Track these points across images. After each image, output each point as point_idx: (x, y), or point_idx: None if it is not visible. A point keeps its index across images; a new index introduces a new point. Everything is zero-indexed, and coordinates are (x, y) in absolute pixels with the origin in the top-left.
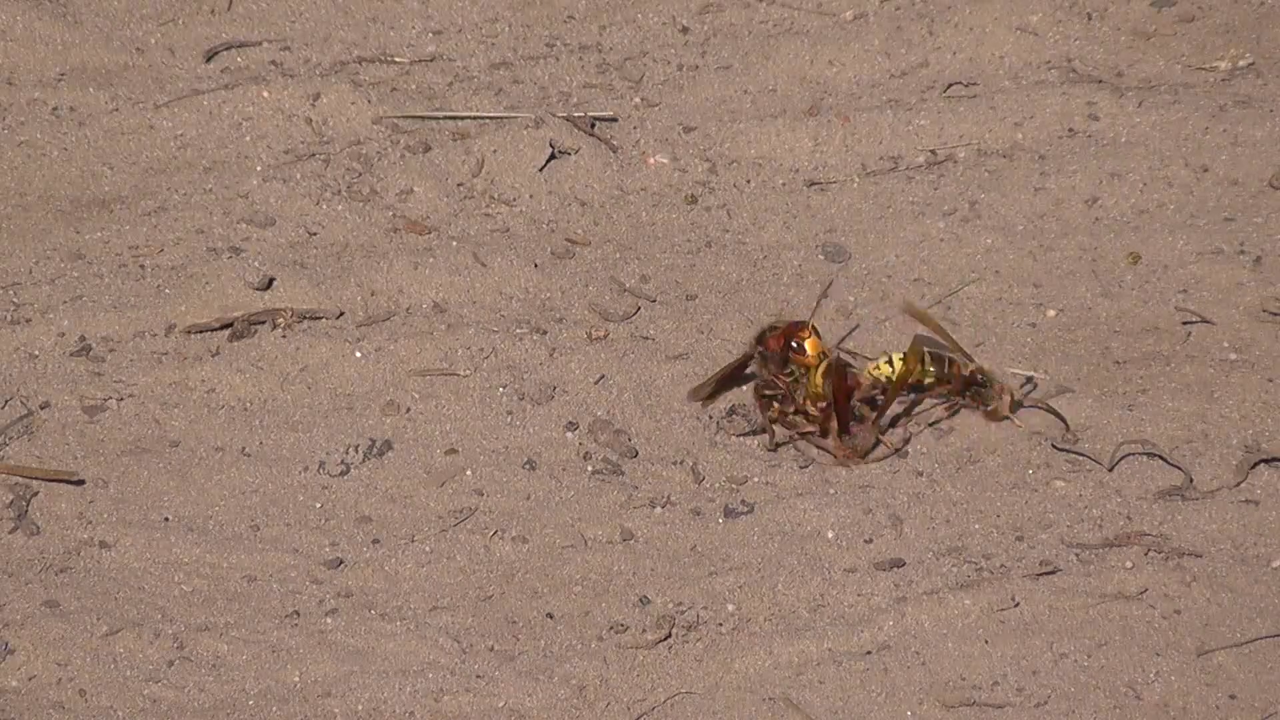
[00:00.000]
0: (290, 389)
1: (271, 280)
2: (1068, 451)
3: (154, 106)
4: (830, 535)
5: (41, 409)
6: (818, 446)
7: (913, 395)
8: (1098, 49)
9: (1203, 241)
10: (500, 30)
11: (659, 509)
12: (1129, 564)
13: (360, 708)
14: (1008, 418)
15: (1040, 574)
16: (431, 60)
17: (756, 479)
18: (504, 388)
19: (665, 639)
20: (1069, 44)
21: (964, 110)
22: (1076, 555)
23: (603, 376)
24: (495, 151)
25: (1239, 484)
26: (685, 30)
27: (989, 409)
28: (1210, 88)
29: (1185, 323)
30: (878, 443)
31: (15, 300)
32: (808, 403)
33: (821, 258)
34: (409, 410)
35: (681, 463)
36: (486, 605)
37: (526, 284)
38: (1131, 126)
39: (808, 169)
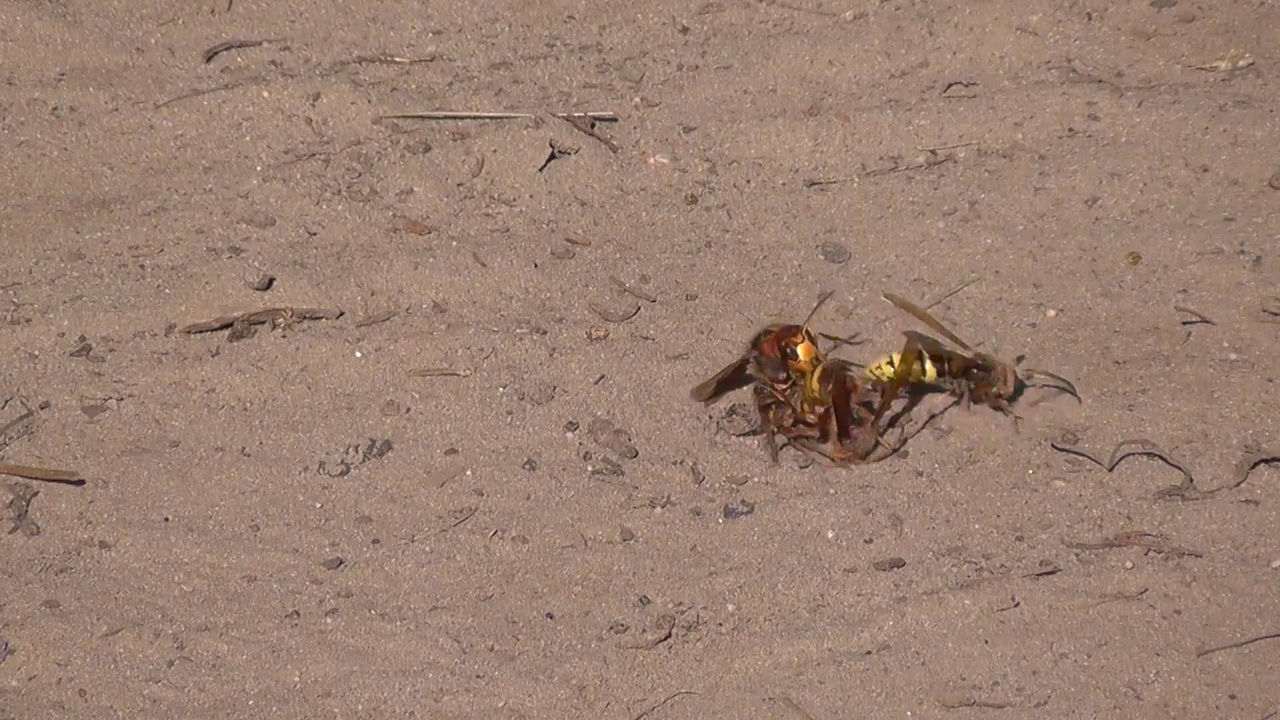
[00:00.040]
0: (290, 389)
1: (271, 280)
2: (1068, 451)
3: (154, 106)
4: (830, 535)
5: (41, 409)
6: (818, 451)
7: (906, 395)
8: (1098, 49)
9: (1203, 241)
10: (500, 30)
11: (659, 509)
12: (1129, 564)
13: (360, 708)
14: (1012, 398)
15: (1040, 574)
16: (431, 60)
17: (756, 479)
18: (504, 388)
19: (665, 639)
20: (1069, 44)
21: (964, 110)
22: (1076, 555)
23: (603, 376)
24: (495, 151)
25: (1239, 484)
26: (685, 30)
27: (993, 392)
28: (1210, 88)
29: (1185, 323)
30: (877, 443)
31: (15, 300)
32: (805, 408)
33: (821, 258)
34: (409, 410)
35: (681, 463)
36: (486, 605)
37: (526, 284)
38: (1131, 126)
39: (808, 169)
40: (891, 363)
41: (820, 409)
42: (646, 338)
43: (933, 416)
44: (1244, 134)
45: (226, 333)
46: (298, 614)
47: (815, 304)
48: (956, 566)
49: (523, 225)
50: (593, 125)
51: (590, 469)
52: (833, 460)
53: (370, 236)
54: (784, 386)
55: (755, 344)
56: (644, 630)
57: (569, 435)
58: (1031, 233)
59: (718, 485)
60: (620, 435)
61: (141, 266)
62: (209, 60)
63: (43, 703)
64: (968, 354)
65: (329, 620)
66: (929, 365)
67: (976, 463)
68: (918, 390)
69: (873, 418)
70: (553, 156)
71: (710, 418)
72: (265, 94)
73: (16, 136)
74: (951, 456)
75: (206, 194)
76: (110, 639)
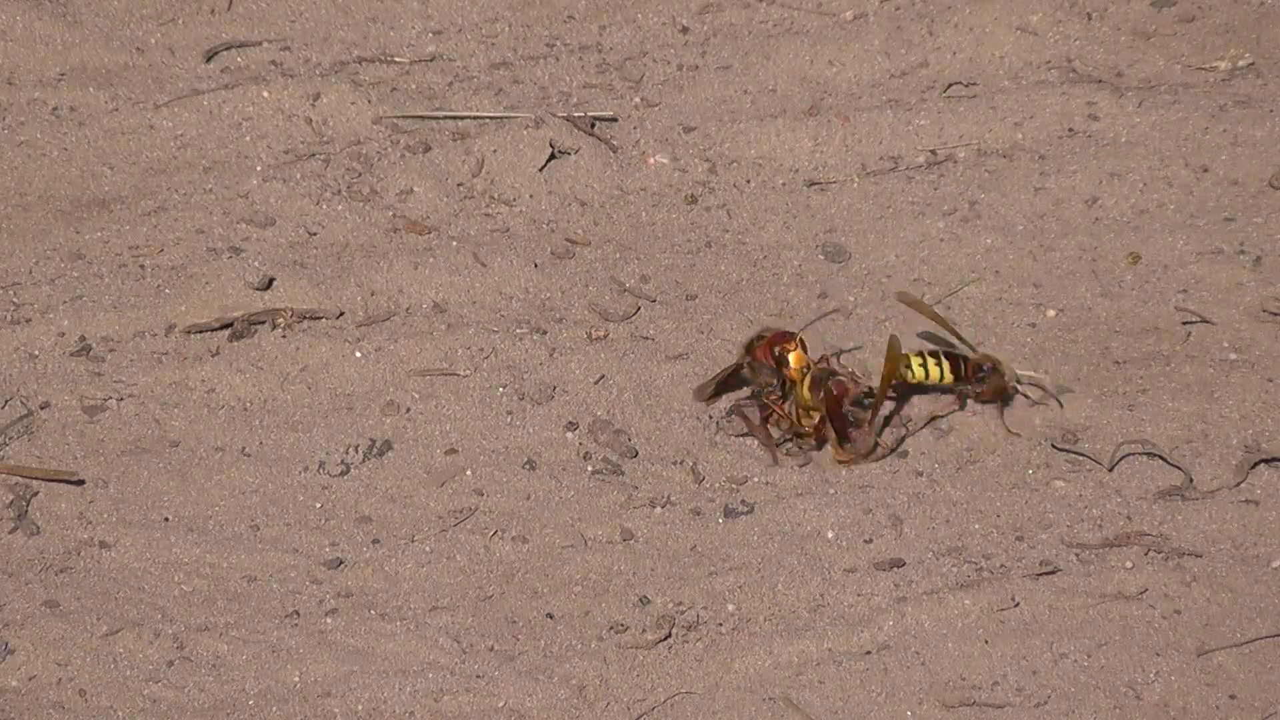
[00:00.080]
0: (290, 389)
1: (271, 280)
2: (1068, 451)
3: (154, 106)
4: (830, 535)
5: (41, 409)
6: (817, 446)
7: (897, 396)
8: (1098, 49)
9: (1203, 241)
10: (500, 30)
11: (659, 509)
12: (1129, 564)
13: (360, 708)
14: (1013, 391)
15: (1040, 574)
16: (431, 60)
17: (756, 479)
18: (504, 388)
19: (665, 639)
20: (1069, 44)
21: (964, 110)
22: (1076, 555)
23: (603, 376)
24: (495, 151)
25: (1239, 484)
26: (685, 30)
27: (998, 386)
28: (1210, 88)
29: (1185, 323)
30: (876, 443)
31: (15, 300)
32: (800, 415)
33: (821, 258)
34: (409, 410)
35: (681, 463)
36: (486, 605)
37: (526, 284)
38: (1131, 126)
39: (808, 169)
40: (910, 367)
41: (815, 415)
42: (646, 338)
43: (935, 418)
44: (1244, 134)
45: (226, 333)
46: (298, 614)
47: (816, 316)
48: (956, 566)
49: (523, 225)
50: (593, 125)
51: (590, 469)
52: (835, 461)
53: (370, 236)
54: (776, 395)
55: (749, 349)
56: (644, 630)
57: (569, 435)
58: (1031, 233)
59: (718, 485)
60: (620, 435)
61: (141, 266)
62: (209, 60)
63: (43, 703)
64: (971, 356)
65: (329, 620)
66: (933, 368)
67: (976, 463)
68: (918, 390)
69: (869, 418)
70: (553, 156)
71: (710, 418)
72: (265, 94)
73: (16, 136)
74: (951, 456)
75: (206, 194)
76: (110, 639)
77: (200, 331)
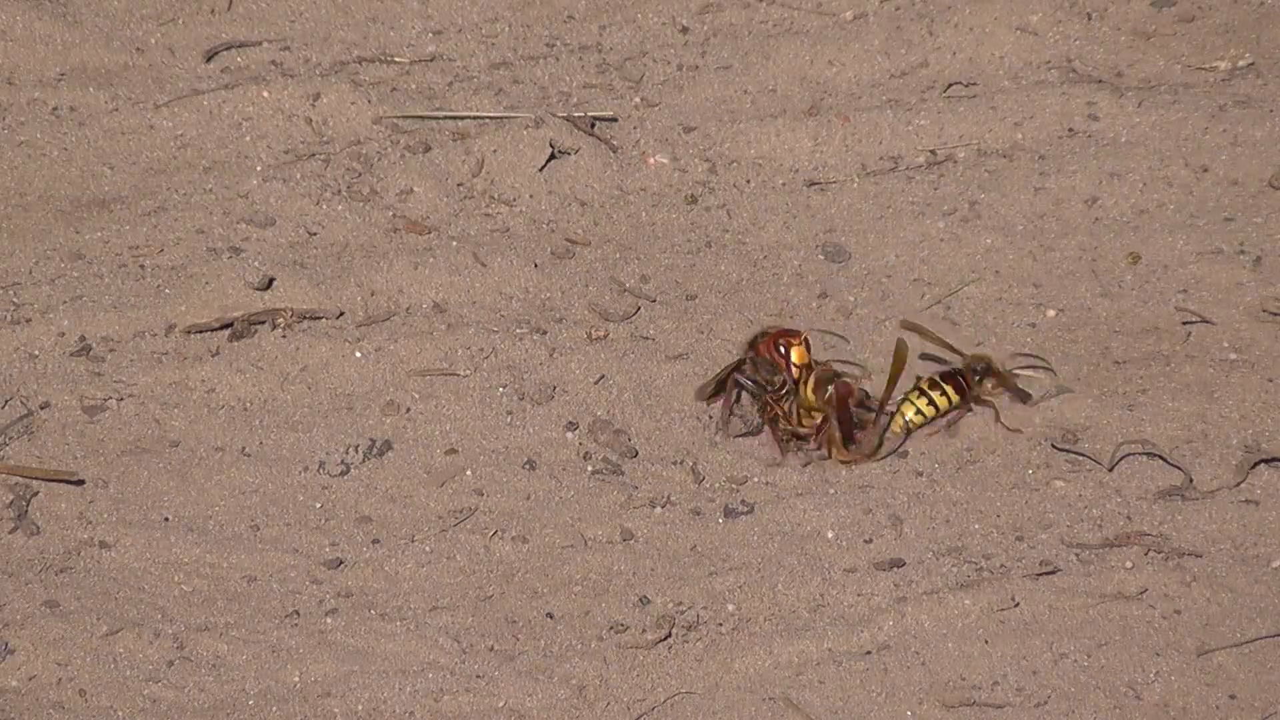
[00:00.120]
0: (290, 389)
1: (271, 280)
2: (1068, 451)
3: (154, 106)
4: (830, 535)
5: (41, 409)
6: (816, 452)
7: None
8: (1098, 49)
9: (1203, 241)
10: (500, 30)
11: (659, 509)
12: (1129, 564)
13: (360, 708)
14: (1013, 380)
15: (1040, 574)
16: (431, 60)
17: (756, 479)
18: (504, 388)
19: (665, 639)
20: (1069, 44)
21: (964, 110)
22: (1076, 555)
23: (603, 376)
24: (495, 151)
25: (1239, 484)
26: (685, 30)
27: (999, 377)
28: (1210, 88)
29: (1185, 323)
30: (881, 442)
31: (15, 300)
32: (801, 415)
33: (821, 258)
34: (409, 410)
35: (681, 463)
36: (486, 605)
37: (526, 284)
38: (1131, 126)
39: (808, 169)
40: (925, 393)
41: (817, 416)
42: (646, 338)
43: (950, 424)
44: (1244, 134)
45: (226, 333)
46: (298, 614)
47: (824, 329)
48: (956, 566)
49: (523, 225)
50: (593, 125)
51: (590, 469)
52: (837, 461)
53: (370, 236)
54: (781, 391)
55: (752, 345)
56: (644, 630)
57: (569, 435)
58: (1031, 233)
59: (718, 485)
60: (620, 435)
61: (141, 266)
62: (209, 60)
63: (43, 703)
64: (963, 365)
65: (329, 620)
66: (939, 400)
67: (976, 463)
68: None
69: (873, 417)
70: (553, 156)
71: (710, 418)
72: (265, 94)
73: (16, 136)
74: (951, 456)
75: (206, 194)
76: (110, 639)
77: (200, 331)
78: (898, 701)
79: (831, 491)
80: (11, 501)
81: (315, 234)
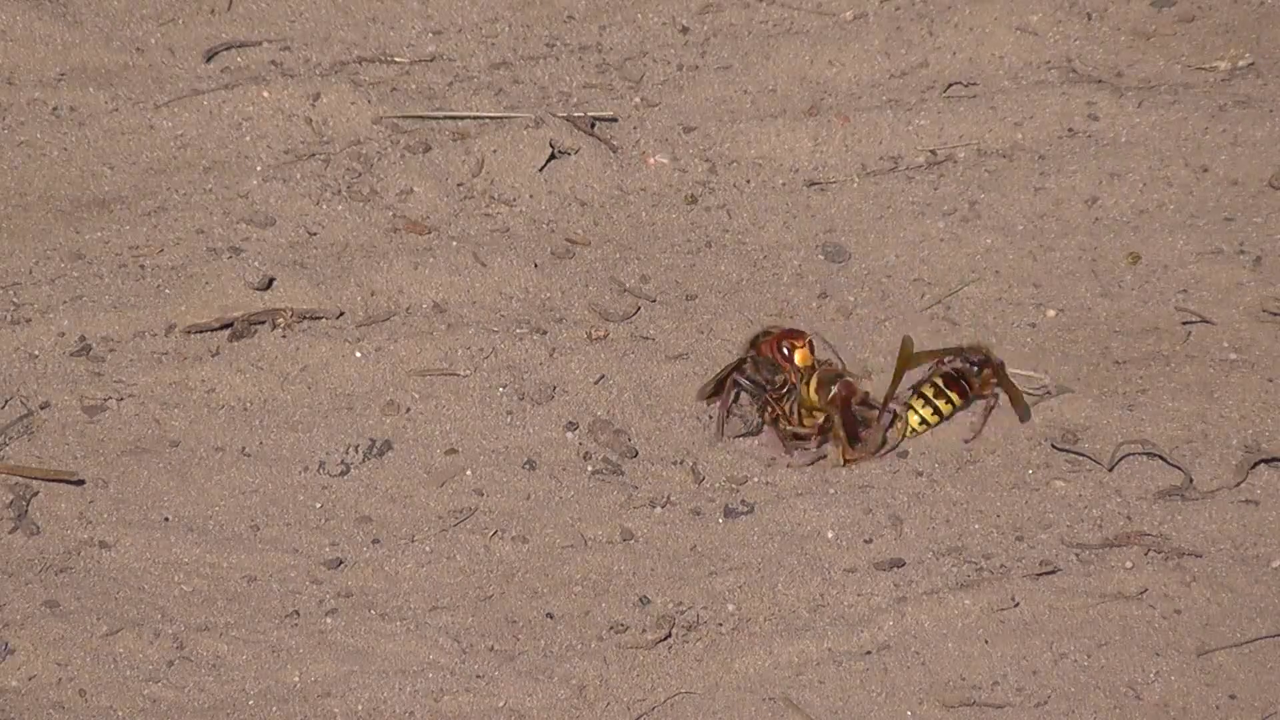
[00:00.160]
0: (290, 389)
1: (271, 280)
2: (1068, 451)
3: (154, 106)
4: (830, 535)
5: (41, 409)
6: (815, 451)
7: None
8: (1098, 49)
9: (1203, 241)
10: (500, 30)
11: (659, 509)
12: (1129, 564)
13: (360, 708)
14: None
15: (1040, 574)
16: (431, 60)
17: (756, 479)
18: (504, 388)
19: (665, 639)
20: (1069, 44)
21: (964, 110)
22: (1076, 555)
23: (603, 376)
24: (495, 151)
25: (1239, 484)
26: (685, 30)
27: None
28: (1210, 88)
29: (1185, 323)
30: (884, 440)
31: (15, 300)
32: (802, 414)
33: (821, 258)
34: (409, 410)
35: (681, 463)
36: (486, 605)
37: (526, 284)
38: (1131, 126)
39: (808, 169)
40: (929, 401)
41: (818, 416)
42: (646, 338)
43: (946, 420)
44: (1244, 134)
45: (226, 333)
46: (298, 614)
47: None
48: (956, 566)
49: (523, 225)
50: (593, 125)
51: (590, 469)
52: (842, 460)
53: (370, 236)
54: (782, 391)
55: (754, 343)
56: (644, 630)
57: (569, 435)
58: (1031, 233)
59: (718, 485)
60: (620, 435)
61: (141, 266)
62: (209, 60)
63: (43, 703)
64: (960, 363)
65: (329, 620)
66: (944, 407)
67: (976, 463)
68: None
69: (876, 415)
70: (553, 156)
71: (710, 418)
72: (265, 94)
73: (16, 136)
74: (951, 456)
75: (206, 194)
76: (110, 639)
77: (200, 331)
78: (898, 701)
79: (831, 491)
80: (11, 501)
81: (315, 234)
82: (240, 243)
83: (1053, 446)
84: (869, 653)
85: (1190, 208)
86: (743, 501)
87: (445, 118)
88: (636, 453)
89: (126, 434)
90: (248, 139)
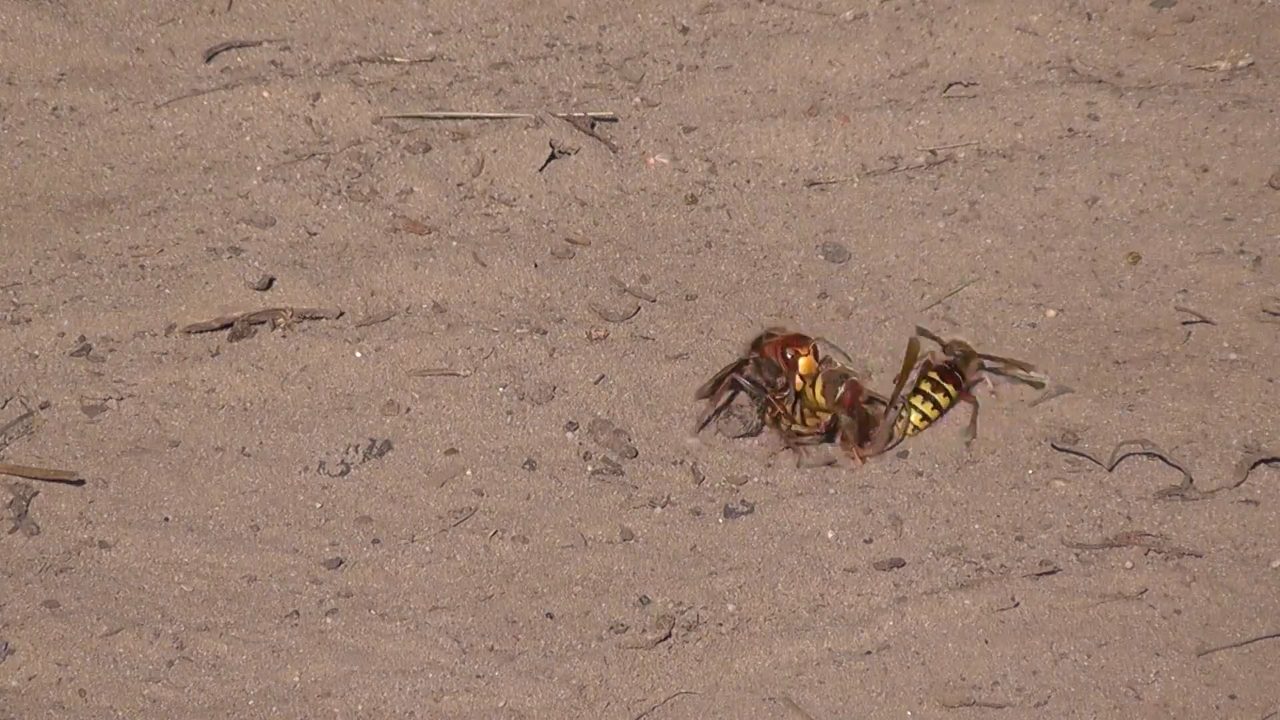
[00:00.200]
0: (290, 389)
1: (271, 280)
2: (1068, 451)
3: (154, 106)
4: (830, 535)
5: (41, 409)
6: (814, 448)
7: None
8: (1098, 49)
9: (1203, 241)
10: (500, 30)
11: (659, 509)
12: (1129, 564)
13: (360, 708)
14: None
15: (1040, 574)
16: (431, 60)
17: (756, 479)
18: (504, 388)
19: (665, 639)
20: (1069, 44)
21: (964, 110)
22: (1076, 555)
23: (603, 376)
24: (495, 151)
25: (1239, 484)
26: (685, 30)
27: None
28: (1210, 88)
29: (1185, 323)
30: (891, 437)
31: (15, 300)
32: (805, 414)
33: (821, 258)
34: (409, 410)
35: (681, 463)
36: (486, 605)
37: (526, 284)
38: (1131, 126)
39: (808, 169)
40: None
41: (822, 416)
42: (646, 338)
43: (944, 414)
44: (1244, 134)
45: (226, 333)
46: (298, 614)
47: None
48: (956, 566)
49: (523, 225)
50: (593, 125)
51: (590, 469)
52: (851, 458)
53: (370, 236)
54: (784, 392)
55: (756, 345)
56: (644, 630)
57: (569, 435)
58: (1031, 233)
59: (718, 485)
60: (620, 435)
61: (141, 266)
62: (209, 60)
63: (43, 703)
64: (946, 355)
65: (329, 620)
66: (942, 400)
67: (976, 463)
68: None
69: (884, 412)
70: (553, 156)
71: (710, 418)
72: (265, 94)
73: (16, 136)
74: (951, 456)
75: (206, 194)
76: (110, 639)
77: (200, 331)
78: (898, 701)
79: (831, 491)
80: (11, 501)
81: (315, 234)
82: (240, 243)
83: (1053, 446)
84: (869, 653)
85: (1190, 208)
86: (743, 501)
87: (445, 118)
88: (636, 453)
89: (126, 434)
90: (248, 139)
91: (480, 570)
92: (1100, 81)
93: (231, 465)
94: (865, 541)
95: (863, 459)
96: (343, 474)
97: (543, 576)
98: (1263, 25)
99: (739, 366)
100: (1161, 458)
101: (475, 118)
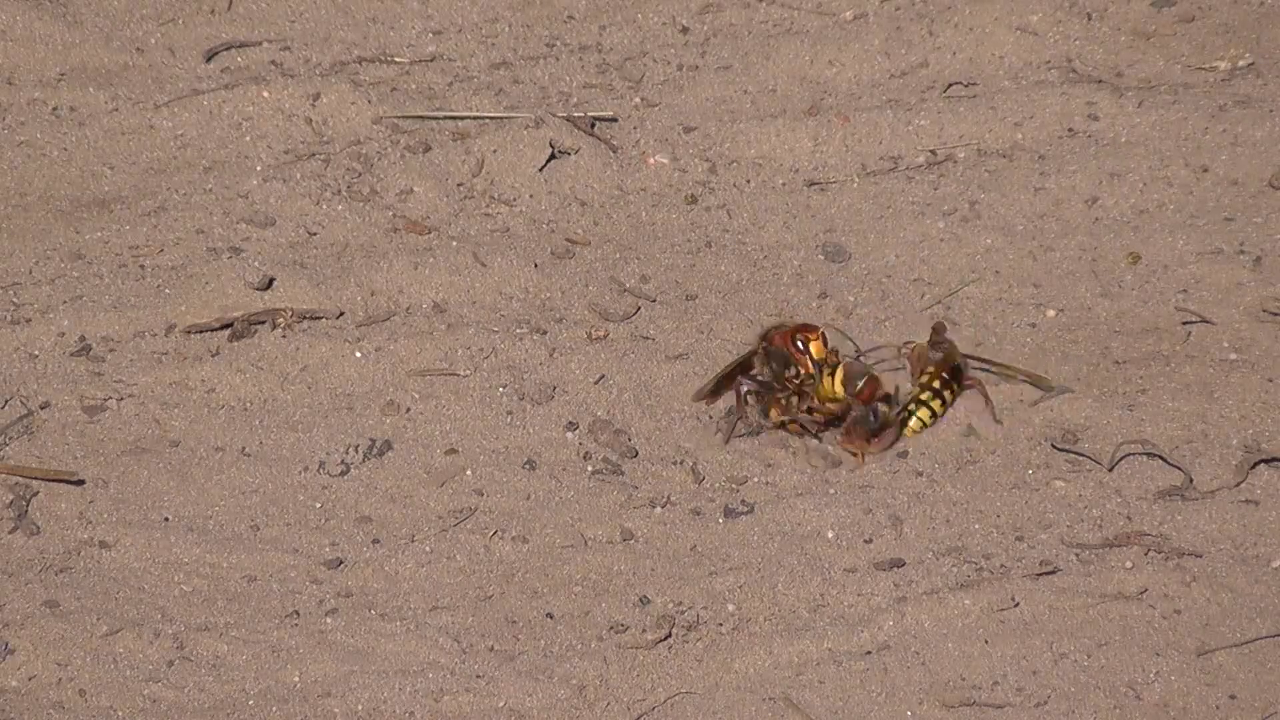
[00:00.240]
0: (290, 389)
1: (271, 280)
2: (1068, 451)
3: (154, 106)
4: (830, 535)
5: (41, 409)
6: (815, 441)
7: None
8: (1098, 49)
9: (1203, 241)
10: (500, 30)
11: (659, 509)
12: (1129, 564)
13: (360, 708)
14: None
15: (1040, 574)
16: (431, 60)
17: (756, 479)
18: (504, 388)
19: (665, 639)
20: (1069, 44)
21: (964, 110)
22: (1076, 555)
23: (603, 376)
24: (495, 151)
25: (1239, 484)
26: (685, 30)
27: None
28: (1210, 88)
29: (1185, 323)
30: (894, 441)
31: (15, 300)
32: (814, 405)
33: (821, 258)
34: (409, 410)
35: (681, 463)
36: (486, 605)
37: (526, 284)
38: (1131, 126)
39: (808, 169)
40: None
41: (833, 408)
42: (646, 338)
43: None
44: (1244, 134)
45: (226, 333)
46: (298, 614)
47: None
48: (956, 566)
49: (523, 225)
50: (593, 125)
51: (590, 469)
52: (860, 453)
53: (370, 236)
54: (798, 382)
55: (765, 336)
56: (644, 630)
57: (569, 435)
58: (1031, 233)
59: (718, 485)
60: (620, 435)
61: (141, 266)
62: (209, 60)
63: (43, 703)
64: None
65: (329, 620)
66: (949, 397)
67: (976, 463)
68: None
69: (895, 414)
70: (553, 156)
71: (710, 418)
72: (265, 94)
73: (16, 136)
74: (951, 456)
75: (206, 194)
76: (110, 639)
77: (200, 331)
78: (898, 701)
79: (831, 491)
80: (11, 501)
81: (315, 234)
82: (240, 243)
83: (1053, 446)
84: (869, 653)
85: (1190, 208)
86: (743, 501)
87: (445, 118)
88: (636, 453)
89: (126, 434)
90: (248, 139)
91: (480, 570)
92: (1100, 81)
93: (231, 465)
94: (865, 541)
95: (865, 456)
96: (343, 474)
97: (543, 576)
98: (1263, 25)
99: (740, 367)
100: (1161, 458)
101: (475, 118)
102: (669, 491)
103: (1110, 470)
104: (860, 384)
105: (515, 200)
